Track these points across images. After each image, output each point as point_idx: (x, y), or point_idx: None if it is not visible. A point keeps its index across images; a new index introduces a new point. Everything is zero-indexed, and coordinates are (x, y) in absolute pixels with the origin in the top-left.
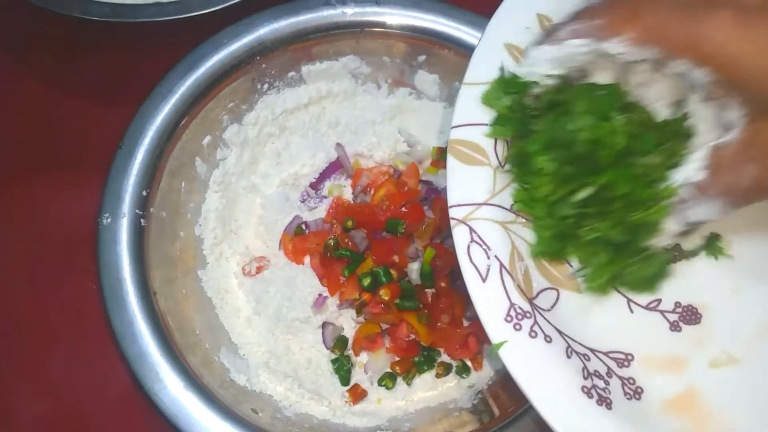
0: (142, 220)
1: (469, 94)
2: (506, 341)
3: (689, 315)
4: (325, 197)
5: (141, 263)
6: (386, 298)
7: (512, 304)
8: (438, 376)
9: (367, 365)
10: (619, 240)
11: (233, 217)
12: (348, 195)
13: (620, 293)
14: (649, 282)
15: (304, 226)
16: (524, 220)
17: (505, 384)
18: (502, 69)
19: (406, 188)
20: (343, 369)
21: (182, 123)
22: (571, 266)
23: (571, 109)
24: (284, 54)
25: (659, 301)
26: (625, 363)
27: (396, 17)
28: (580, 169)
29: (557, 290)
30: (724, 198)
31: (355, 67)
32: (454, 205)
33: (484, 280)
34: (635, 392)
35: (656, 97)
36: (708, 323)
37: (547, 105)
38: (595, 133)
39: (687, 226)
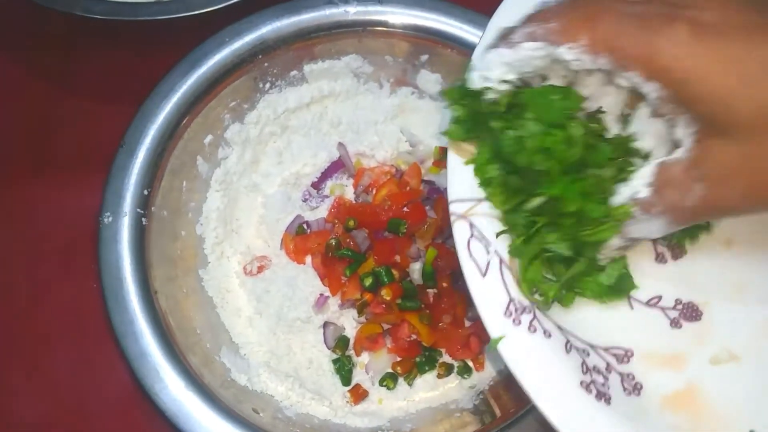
0: (143, 219)
1: None
2: (505, 336)
3: (690, 312)
4: (327, 197)
5: (142, 262)
6: (388, 298)
7: (512, 299)
8: (439, 376)
9: (369, 365)
10: (565, 254)
11: (234, 217)
12: (350, 195)
13: None
14: (614, 291)
15: (305, 226)
16: None
17: (506, 385)
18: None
19: (408, 188)
20: (344, 369)
21: (184, 122)
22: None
23: (522, 115)
24: (286, 53)
25: (660, 297)
26: (625, 359)
27: (398, 16)
28: (526, 179)
29: None
30: (668, 216)
31: (357, 67)
32: (455, 201)
33: (483, 275)
34: (634, 388)
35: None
36: (708, 320)
37: (506, 108)
38: (545, 141)
39: (627, 242)
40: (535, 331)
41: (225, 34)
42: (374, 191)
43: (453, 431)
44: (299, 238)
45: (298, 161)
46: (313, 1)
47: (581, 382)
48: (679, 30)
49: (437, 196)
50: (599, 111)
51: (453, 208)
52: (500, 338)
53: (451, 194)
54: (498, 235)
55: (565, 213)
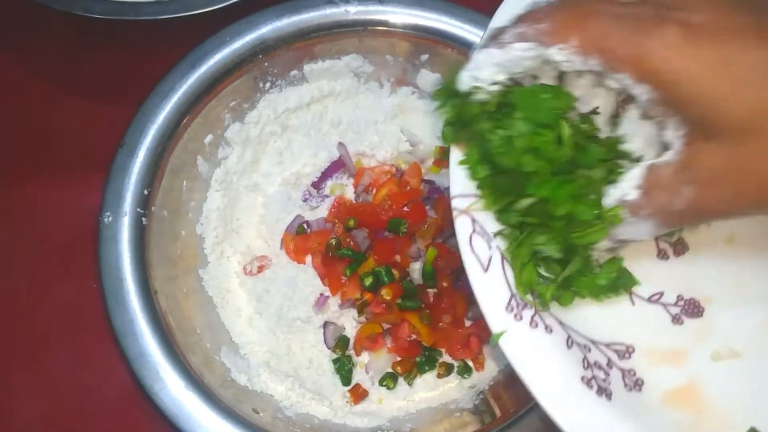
0: (143, 219)
1: None
2: (506, 331)
3: (691, 308)
4: (327, 196)
5: (142, 262)
6: (388, 297)
7: (513, 295)
8: (439, 376)
9: (369, 365)
10: (556, 256)
11: (235, 216)
12: (350, 194)
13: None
14: (611, 289)
15: (305, 226)
16: None
17: (506, 385)
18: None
19: (408, 188)
20: (344, 369)
21: (184, 121)
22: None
23: (512, 114)
24: (286, 52)
25: (661, 294)
26: (626, 355)
27: (399, 16)
28: (515, 181)
29: None
30: (657, 219)
31: (357, 66)
32: (457, 196)
33: (485, 270)
34: (635, 384)
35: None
36: (710, 317)
37: (496, 108)
38: (534, 141)
39: (616, 243)
40: (536, 326)
41: (225, 34)
42: (374, 191)
43: (453, 431)
44: (299, 238)
45: (298, 161)
46: (313, 0)
47: (582, 378)
48: (669, 32)
49: (437, 196)
50: (592, 112)
51: (455, 203)
52: (501, 333)
53: (453, 190)
54: (495, 235)
55: (555, 216)
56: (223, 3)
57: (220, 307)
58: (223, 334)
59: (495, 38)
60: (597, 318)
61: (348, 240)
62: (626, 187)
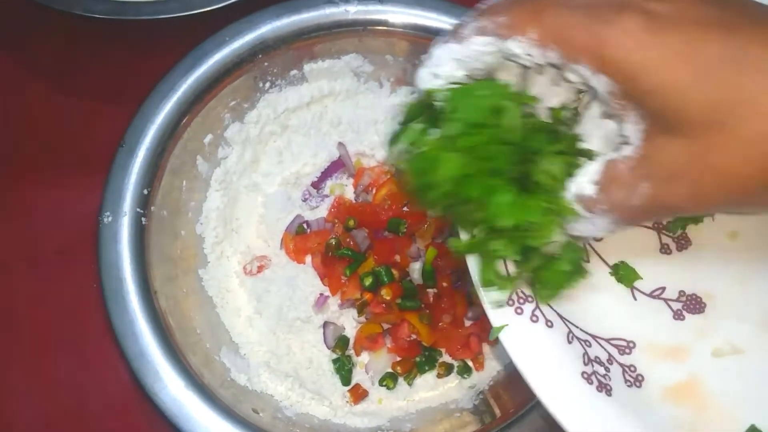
0: (143, 219)
1: None
2: (507, 325)
3: (693, 304)
4: (327, 196)
5: (142, 262)
6: (388, 297)
7: (514, 288)
8: (439, 376)
9: (368, 365)
10: (515, 258)
11: (234, 216)
12: (350, 194)
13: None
14: (574, 275)
15: (305, 226)
16: None
17: (506, 384)
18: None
19: None
20: (344, 369)
21: (183, 121)
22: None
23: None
24: (286, 52)
25: (663, 289)
26: (627, 350)
27: (399, 15)
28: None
29: None
30: (614, 215)
31: (357, 66)
32: None
33: None
34: (636, 380)
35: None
36: (712, 313)
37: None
38: (468, 141)
39: (572, 239)
40: (537, 320)
41: (225, 34)
42: (374, 191)
43: (453, 431)
44: (299, 238)
45: (298, 161)
46: (313, 0)
47: (582, 373)
48: (629, 19)
49: None
50: (562, 108)
51: None
52: (502, 327)
53: None
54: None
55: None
56: (223, 3)
57: (220, 307)
58: (223, 334)
59: (454, 33)
60: (598, 313)
61: (348, 240)
62: (583, 182)
